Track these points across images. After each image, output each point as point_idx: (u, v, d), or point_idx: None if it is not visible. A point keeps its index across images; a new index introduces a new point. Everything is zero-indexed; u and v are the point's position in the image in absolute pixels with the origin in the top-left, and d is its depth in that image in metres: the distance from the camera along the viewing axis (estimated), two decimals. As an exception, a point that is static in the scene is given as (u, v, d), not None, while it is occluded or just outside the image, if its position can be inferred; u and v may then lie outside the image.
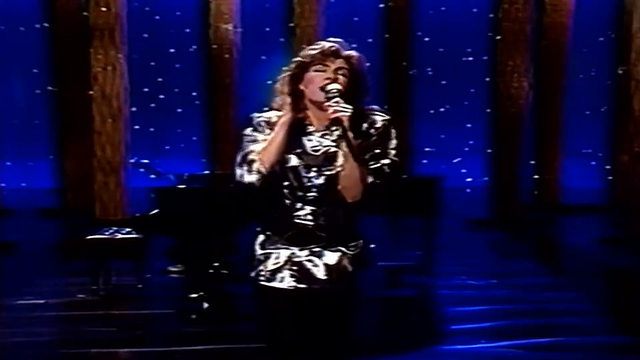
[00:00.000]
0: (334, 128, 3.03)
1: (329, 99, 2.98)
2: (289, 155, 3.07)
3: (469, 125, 13.75)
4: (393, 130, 3.11)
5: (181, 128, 13.76)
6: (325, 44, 3.10)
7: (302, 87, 3.09)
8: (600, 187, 11.31)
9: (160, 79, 13.79)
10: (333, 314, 3.11)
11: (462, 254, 9.21)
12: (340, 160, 3.02)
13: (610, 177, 10.97)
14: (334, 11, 11.76)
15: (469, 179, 13.46)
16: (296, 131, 3.09)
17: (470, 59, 13.68)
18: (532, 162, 11.05)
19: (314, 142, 3.09)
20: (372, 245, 3.21)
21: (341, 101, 2.95)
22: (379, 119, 3.10)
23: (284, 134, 3.05)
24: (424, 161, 13.27)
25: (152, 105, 13.74)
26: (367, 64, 3.12)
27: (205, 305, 6.60)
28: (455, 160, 13.92)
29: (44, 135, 11.85)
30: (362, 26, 13.07)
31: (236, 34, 11.17)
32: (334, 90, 2.98)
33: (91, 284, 7.22)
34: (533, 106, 10.82)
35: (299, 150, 3.08)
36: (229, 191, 6.85)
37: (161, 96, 13.84)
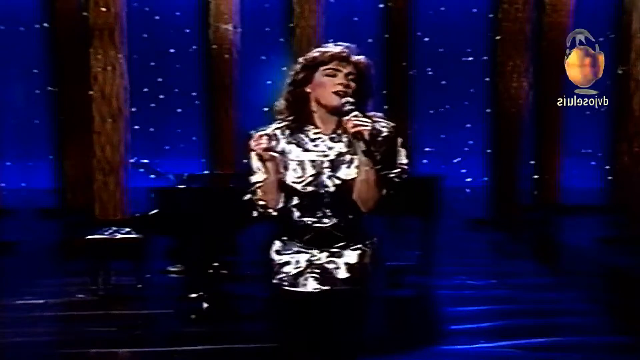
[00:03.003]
0: (346, 138, 3.02)
1: (346, 112, 2.97)
2: (301, 158, 3.07)
3: (469, 125, 13.75)
4: (399, 139, 3.11)
5: (181, 128, 13.76)
6: (336, 48, 3.07)
7: (308, 89, 3.08)
8: (600, 187, 11.31)
9: (160, 79, 13.79)
10: (354, 313, 3.12)
11: (462, 254, 9.22)
12: (355, 171, 3.02)
13: (610, 177, 10.96)
14: (334, 11, 11.76)
15: (469, 179, 13.46)
16: (303, 134, 3.09)
17: (470, 59, 13.68)
18: (532, 162, 11.04)
19: (322, 146, 3.08)
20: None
21: (360, 115, 2.95)
22: (385, 127, 3.09)
23: (272, 169, 3.04)
24: (424, 161, 13.27)
25: (152, 105, 13.74)
26: (373, 69, 3.12)
27: (205, 305, 6.60)
28: (455, 160, 13.91)
29: (44, 135, 11.84)
30: (362, 26, 13.07)
31: (236, 34, 11.17)
32: (349, 104, 2.98)
33: (91, 284, 7.22)
34: (533, 106, 10.82)
35: (309, 154, 3.07)
36: (228, 191, 6.85)
37: (161, 96, 13.84)
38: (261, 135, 3.03)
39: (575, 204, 11.25)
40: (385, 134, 3.08)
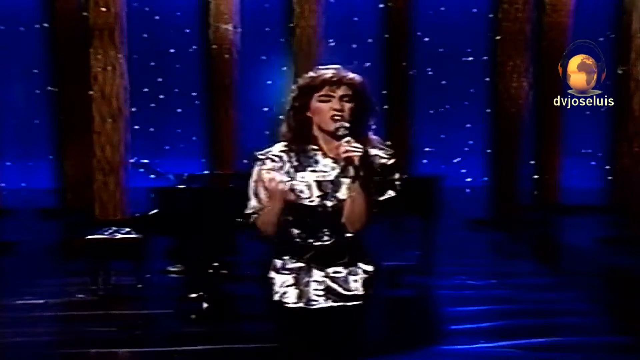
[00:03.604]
0: (343, 164, 3.03)
1: (339, 137, 2.99)
2: (306, 179, 3.07)
3: (469, 125, 13.74)
4: (395, 164, 3.12)
5: (181, 128, 13.76)
6: (326, 72, 3.08)
7: (309, 114, 3.10)
8: (600, 187, 11.31)
9: (160, 79, 13.79)
10: (356, 328, 3.14)
11: (462, 254, 9.22)
12: (349, 193, 3.02)
13: (610, 177, 10.96)
14: (334, 11, 11.76)
15: (468, 179, 13.46)
16: (307, 156, 3.10)
17: (470, 59, 13.67)
18: (532, 162, 11.04)
19: (325, 167, 3.09)
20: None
21: (352, 140, 2.96)
22: (382, 154, 3.10)
23: (278, 206, 3.05)
24: (424, 161, 13.27)
25: (152, 105, 13.74)
26: (369, 85, 3.12)
27: (205, 305, 6.60)
28: (455, 160, 13.91)
29: (44, 135, 11.85)
30: (362, 26, 13.08)
31: (236, 34, 11.17)
32: (343, 129, 2.99)
33: (91, 284, 7.22)
34: (533, 106, 10.82)
35: (314, 175, 3.08)
36: (228, 191, 6.85)
37: (161, 96, 13.84)
38: (273, 175, 3.03)
39: (575, 204, 11.25)
40: (382, 161, 3.10)
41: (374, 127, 3.15)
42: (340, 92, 3.05)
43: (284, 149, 3.13)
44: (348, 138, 2.97)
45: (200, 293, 6.68)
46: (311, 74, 3.12)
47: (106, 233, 7.28)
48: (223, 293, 6.82)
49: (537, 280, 7.96)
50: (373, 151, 3.09)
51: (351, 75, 3.09)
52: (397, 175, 3.12)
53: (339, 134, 3.00)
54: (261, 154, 3.15)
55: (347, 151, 2.95)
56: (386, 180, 3.09)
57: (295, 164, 3.10)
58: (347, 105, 3.05)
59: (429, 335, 6.17)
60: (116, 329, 6.23)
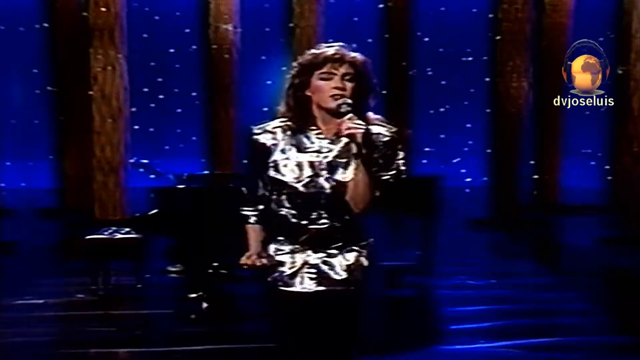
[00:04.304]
0: (345, 140, 3.02)
1: (341, 114, 2.97)
2: (299, 159, 3.06)
3: (469, 125, 13.74)
4: (399, 142, 3.10)
5: (181, 128, 13.75)
6: (329, 50, 3.04)
7: (308, 93, 3.07)
8: (600, 187, 11.31)
9: (160, 79, 13.78)
10: (349, 314, 3.12)
11: (462, 254, 9.22)
12: (351, 173, 3.01)
13: (610, 177, 10.96)
14: (334, 11, 11.77)
15: (468, 179, 13.46)
16: (304, 135, 3.08)
17: (470, 59, 13.67)
18: (532, 162, 11.04)
19: (321, 147, 3.07)
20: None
21: (354, 117, 2.94)
22: (385, 131, 3.09)
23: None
24: (424, 161, 13.27)
25: (152, 105, 13.73)
26: (371, 65, 3.10)
27: (205, 305, 6.60)
28: (455, 160, 13.91)
29: (44, 135, 11.85)
30: (362, 26, 13.07)
31: (236, 34, 11.17)
32: (346, 106, 2.97)
33: (90, 284, 7.22)
34: (533, 106, 10.83)
35: (308, 155, 3.07)
36: (228, 191, 6.85)
37: (161, 96, 13.83)
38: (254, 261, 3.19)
39: (575, 204, 11.25)
40: (386, 138, 3.07)
41: (373, 106, 3.12)
42: (342, 70, 3.02)
43: (281, 125, 3.11)
44: (350, 115, 2.95)
45: (200, 293, 6.68)
46: (313, 51, 3.09)
47: (106, 233, 7.28)
48: (223, 293, 6.82)
49: (537, 280, 7.96)
50: (375, 129, 3.07)
51: (354, 54, 3.06)
52: (401, 154, 3.10)
53: (341, 111, 2.97)
54: (257, 128, 3.14)
55: (349, 128, 2.94)
56: (389, 157, 3.07)
57: (293, 142, 3.08)
58: (349, 85, 3.02)
59: (429, 335, 6.17)
60: (116, 329, 6.23)
